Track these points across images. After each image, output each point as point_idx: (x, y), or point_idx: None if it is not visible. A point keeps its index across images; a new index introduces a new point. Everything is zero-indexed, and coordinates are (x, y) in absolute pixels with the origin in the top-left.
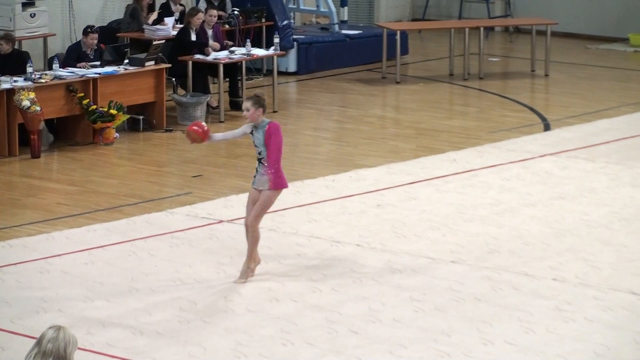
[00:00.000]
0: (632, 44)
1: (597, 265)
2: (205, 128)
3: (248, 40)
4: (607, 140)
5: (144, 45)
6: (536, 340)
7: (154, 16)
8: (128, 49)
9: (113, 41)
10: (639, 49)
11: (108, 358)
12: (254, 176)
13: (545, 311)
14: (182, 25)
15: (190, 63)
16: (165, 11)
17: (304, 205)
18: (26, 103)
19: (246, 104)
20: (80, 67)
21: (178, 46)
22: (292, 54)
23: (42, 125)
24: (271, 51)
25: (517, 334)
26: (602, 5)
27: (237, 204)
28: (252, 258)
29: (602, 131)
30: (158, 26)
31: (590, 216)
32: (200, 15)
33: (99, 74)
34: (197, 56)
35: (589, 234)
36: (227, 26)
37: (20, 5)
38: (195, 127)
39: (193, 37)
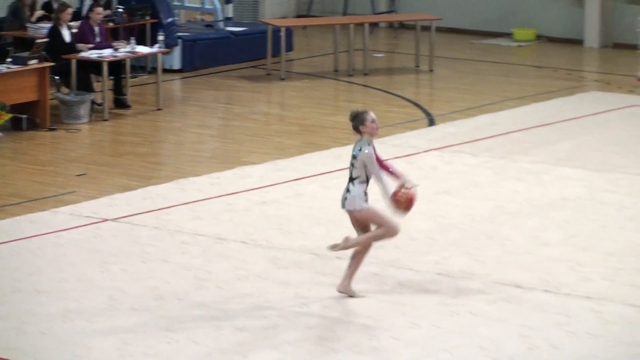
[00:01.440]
0: (516, 39)
1: (482, 259)
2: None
3: (132, 37)
4: (491, 134)
5: (27, 43)
6: (421, 335)
7: (38, 14)
8: (11, 48)
9: None
10: (523, 44)
11: None
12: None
13: (430, 305)
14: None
15: (74, 61)
16: (49, 9)
17: (189, 202)
18: None
19: (372, 115)
20: None
21: (50, 46)
22: (177, 51)
23: None
24: (156, 49)
25: (402, 329)
26: (486, 1)
27: (121, 203)
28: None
29: (486, 126)
30: (41, 24)
31: (474, 210)
32: (69, 11)
33: None
34: (82, 54)
35: (474, 228)
36: (111, 24)
37: None
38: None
39: (65, 34)
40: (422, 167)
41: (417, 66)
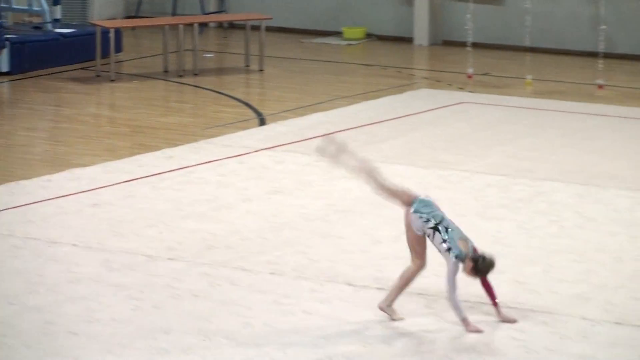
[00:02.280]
0: (346, 37)
1: (314, 258)
2: None
3: None
4: (322, 133)
5: None
6: (255, 334)
7: None
8: None
9: None
10: (353, 43)
11: None
12: None
13: (264, 305)
14: None
15: None
16: None
17: (19, 206)
18: None
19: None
20: None
21: None
22: (5, 54)
23: None
24: None
25: (236, 329)
26: (315, 0)
27: None
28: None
29: (317, 124)
30: None
31: (307, 209)
32: None
33: None
34: None
35: (306, 227)
36: None
37: None
38: None
39: None
40: (254, 167)
41: (248, 66)
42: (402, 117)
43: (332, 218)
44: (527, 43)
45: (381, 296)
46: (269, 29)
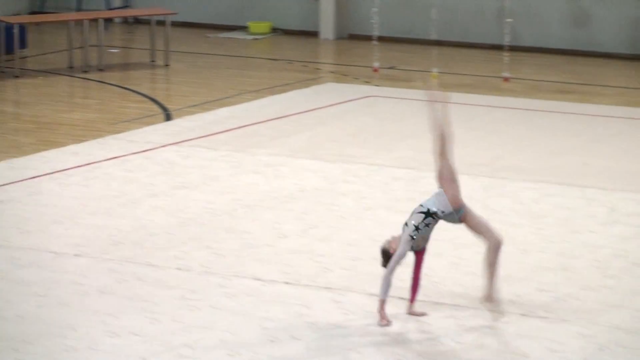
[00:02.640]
0: (252, 31)
1: (221, 253)
2: None
3: None
4: (229, 128)
5: None
6: (162, 330)
7: None
8: None
9: None
10: (259, 37)
11: None
12: None
13: (171, 301)
14: None
15: None
16: None
17: None
18: None
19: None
20: None
21: None
22: None
23: None
24: None
25: (143, 325)
26: None
27: None
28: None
29: (223, 119)
30: None
31: (213, 204)
32: None
33: None
34: None
35: (213, 222)
36: None
37: None
38: None
39: None
40: (160, 163)
41: (153, 61)
42: (309, 111)
43: (239, 213)
44: (433, 36)
45: (289, 290)
46: (175, 24)
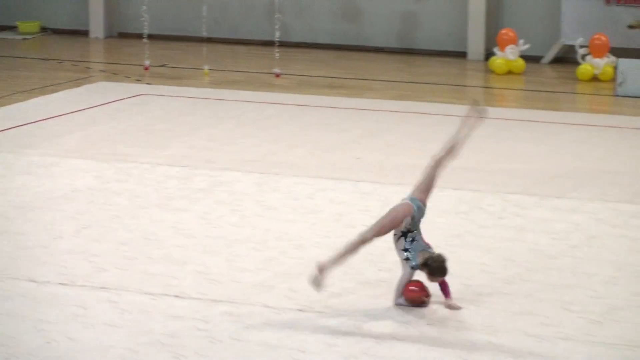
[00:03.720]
0: (21, 31)
1: None
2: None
3: None
4: (0, 129)
5: None
6: None
7: None
8: None
9: None
10: (28, 37)
11: None
12: None
13: None
14: None
15: None
16: None
17: None
18: None
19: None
20: None
21: None
22: None
23: None
24: None
25: None
26: None
27: None
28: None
29: None
30: None
31: None
32: None
33: None
34: None
35: None
36: None
37: None
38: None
39: None
40: None
41: None
42: (80, 110)
43: (11, 214)
44: (204, 33)
45: (65, 291)
46: None
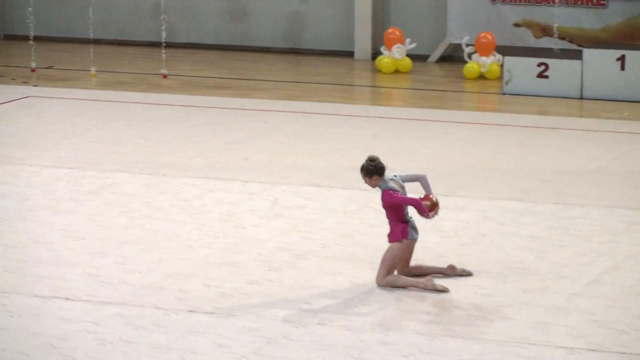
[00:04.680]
0: None
1: None
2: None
3: None
4: None
5: None
6: None
7: None
8: None
9: None
10: None
11: None
12: None
13: None
14: None
15: None
16: None
17: None
18: None
19: (362, 178)
20: None
21: None
22: None
23: None
24: None
25: None
26: None
27: None
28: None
29: None
30: None
31: None
32: None
33: None
34: None
35: None
36: None
37: None
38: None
39: None
40: None
41: None
42: None
43: None
44: (91, 35)
45: None
46: None
